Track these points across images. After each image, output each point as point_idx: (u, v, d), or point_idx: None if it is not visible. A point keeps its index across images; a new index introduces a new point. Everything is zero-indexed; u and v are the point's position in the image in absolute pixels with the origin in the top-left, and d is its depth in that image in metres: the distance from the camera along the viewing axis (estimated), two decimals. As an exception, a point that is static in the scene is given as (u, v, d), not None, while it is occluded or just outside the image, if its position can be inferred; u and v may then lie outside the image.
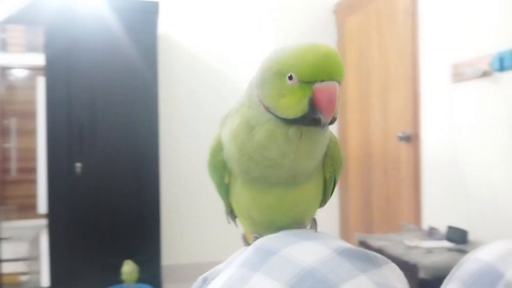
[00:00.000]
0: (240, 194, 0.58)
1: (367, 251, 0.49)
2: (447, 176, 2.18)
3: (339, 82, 0.50)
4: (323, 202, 0.64)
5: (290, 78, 0.50)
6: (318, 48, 0.52)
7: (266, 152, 0.52)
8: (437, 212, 2.28)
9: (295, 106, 0.50)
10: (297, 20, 3.24)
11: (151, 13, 2.80)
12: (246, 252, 0.51)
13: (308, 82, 0.49)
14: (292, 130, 0.51)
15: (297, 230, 0.55)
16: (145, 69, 2.74)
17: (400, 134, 2.50)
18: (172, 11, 3.19)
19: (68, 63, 2.64)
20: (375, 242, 2.04)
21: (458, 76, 2.08)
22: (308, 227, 0.59)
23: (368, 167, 2.94)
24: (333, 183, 0.62)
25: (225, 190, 0.61)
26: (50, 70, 2.64)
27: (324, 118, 0.49)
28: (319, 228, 0.58)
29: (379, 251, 1.88)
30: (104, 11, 2.68)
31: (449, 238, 2.05)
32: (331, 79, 0.49)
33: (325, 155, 0.58)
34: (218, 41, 3.29)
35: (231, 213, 0.65)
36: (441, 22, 2.23)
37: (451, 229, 2.08)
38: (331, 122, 0.50)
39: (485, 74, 1.92)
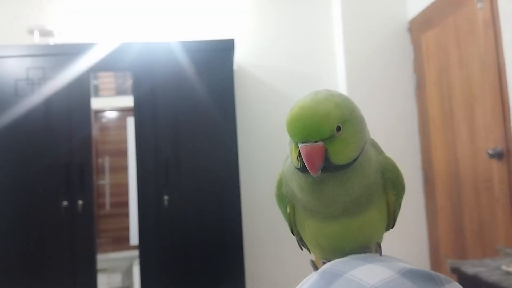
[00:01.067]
0: (306, 224, 0.61)
1: (430, 272, 0.50)
2: (549, 194, 1.98)
3: (319, 140, 0.53)
4: (388, 226, 0.65)
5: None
6: (292, 112, 0.54)
7: (302, 197, 0.58)
8: (541, 235, 2.07)
9: (295, 161, 0.56)
10: (369, 41, 3.21)
11: (227, 50, 2.93)
12: (313, 277, 0.54)
13: (296, 141, 0.55)
14: (306, 179, 0.56)
15: (362, 254, 0.57)
16: (223, 104, 2.86)
17: (491, 151, 2.33)
18: (246, 45, 3.32)
19: (153, 104, 2.84)
20: (469, 268, 1.89)
21: (552, 84, 1.92)
22: (374, 251, 0.61)
23: (457, 188, 2.76)
24: (398, 205, 0.64)
25: (290, 220, 0.64)
26: (138, 111, 2.86)
27: (312, 173, 0.53)
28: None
29: (474, 278, 1.74)
30: (181, 53, 2.87)
31: (557, 263, 1.84)
32: (305, 141, 0.53)
33: (385, 180, 0.60)
34: (291, 69, 3.35)
35: (301, 240, 0.68)
36: (526, 29, 2.08)
37: (559, 253, 1.87)
38: (341, 167, 0.54)
39: None
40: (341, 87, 3.22)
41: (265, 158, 3.22)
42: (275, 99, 3.29)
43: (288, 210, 0.63)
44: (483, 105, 2.45)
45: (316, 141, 0.52)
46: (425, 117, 3.10)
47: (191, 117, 2.86)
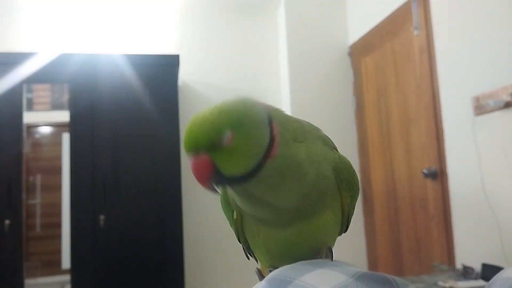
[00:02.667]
0: (256, 231, 0.58)
1: (385, 275, 0.47)
2: (478, 212, 2.10)
3: (207, 151, 0.49)
4: (341, 230, 0.63)
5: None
6: (186, 126, 0.52)
7: (243, 208, 0.55)
8: (470, 250, 2.18)
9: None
10: (311, 64, 3.29)
11: (172, 65, 2.88)
12: (261, 285, 0.50)
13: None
14: (234, 188, 0.54)
15: (313, 260, 0.54)
16: (167, 121, 2.79)
17: (425, 171, 2.44)
18: (192, 62, 3.29)
19: (92, 119, 2.71)
20: (409, 284, 1.94)
21: (480, 108, 2.05)
22: (323, 257, 0.58)
23: (394, 207, 2.86)
24: (352, 208, 0.62)
25: (236, 227, 0.60)
26: (75, 126, 2.72)
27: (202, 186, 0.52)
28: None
29: (414, 294, 1.79)
30: (126, 67, 2.78)
31: (484, 277, 1.94)
32: (191, 154, 0.50)
33: (340, 180, 0.57)
34: (236, 87, 3.35)
35: (248, 249, 0.64)
36: (458, 56, 2.23)
37: (486, 266, 1.97)
38: (242, 178, 0.50)
39: (507, 105, 1.89)
40: (285, 106, 3.26)
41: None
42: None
43: (235, 215, 0.59)
44: (418, 127, 2.57)
45: (199, 153, 0.48)
46: (364, 138, 3.21)
47: (133, 132, 2.76)
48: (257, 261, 0.64)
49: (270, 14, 3.47)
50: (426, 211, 2.52)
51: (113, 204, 2.67)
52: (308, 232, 0.55)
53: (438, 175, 2.39)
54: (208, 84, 3.33)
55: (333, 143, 0.64)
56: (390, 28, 2.83)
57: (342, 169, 0.58)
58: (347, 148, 3.27)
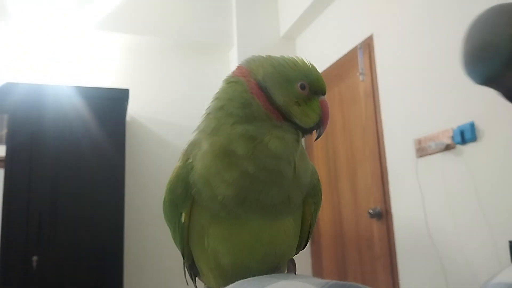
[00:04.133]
0: (207, 234, 0.51)
1: (358, 285, 0.44)
2: (422, 251, 2.15)
3: None
4: (299, 246, 0.59)
5: (303, 87, 0.51)
6: (313, 67, 0.56)
7: (275, 161, 0.48)
8: (416, 291, 2.21)
9: (311, 116, 0.52)
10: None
11: (121, 99, 2.82)
12: None
13: (316, 93, 0.51)
14: (300, 137, 0.52)
15: (274, 274, 0.49)
16: (112, 155, 2.69)
17: (371, 211, 2.49)
18: (142, 98, 3.24)
19: (30, 152, 2.56)
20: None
21: (422, 150, 2.14)
22: (285, 271, 0.54)
23: (342, 247, 2.87)
24: (315, 218, 0.58)
25: (182, 235, 0.54)
26: (10, 161, 2.54)
27: (323, 130, 0.52)
28: None
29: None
30: (72, 98, 2.68)
31: (432, 318, 1.96)
32: (324, 94, 0.54)
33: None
34: (185, 124, 3.32)
35: (192, 268, 0.58)
36: (401, 101, 2.34)
37: (433, 307, 2.00)
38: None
39: (448, 147, 1.99)
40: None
41: (154, 215, 3.05)
42: (166, 154, 3.19)
43: (183, 218, 0.53)
44: (364, 168, 2.64)
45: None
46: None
47: (75, 167, 2.62)
48: (204, 284, 0.59)
49: (223, 55, 3.52)
50: (372, 251, 2.54)
51: (48, 244, 2.48)
52: (266, 237, 0.50)
53: (383, 215, 2.45)
54: (158, 120, 3.28)
55: None
56: (338, 73, 2.95)
57: (313, 172, 0.56)
58: (296, 188, 3.29)
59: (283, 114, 0.51)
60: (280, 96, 0.52)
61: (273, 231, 0.51)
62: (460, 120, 1.92)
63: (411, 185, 2.22)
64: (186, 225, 0.53)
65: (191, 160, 0.52)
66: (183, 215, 0.53)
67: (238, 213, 0.49)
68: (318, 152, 3.19)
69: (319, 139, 0.55)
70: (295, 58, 0.56)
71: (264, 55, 0.57)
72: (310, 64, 0.55)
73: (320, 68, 3.14)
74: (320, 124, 0.54)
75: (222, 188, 0.49)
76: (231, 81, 0.55)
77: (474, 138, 1.86)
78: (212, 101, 0.56)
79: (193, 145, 0.54)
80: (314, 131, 0.55)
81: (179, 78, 3.41)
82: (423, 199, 2.14)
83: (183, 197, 0.52)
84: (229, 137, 0.50)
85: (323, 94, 0.54)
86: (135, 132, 3.17)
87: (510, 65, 0.54)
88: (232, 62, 3.47)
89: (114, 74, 3.24)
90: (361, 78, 2.64)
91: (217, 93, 0.57)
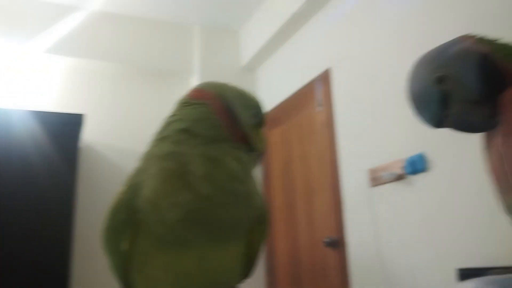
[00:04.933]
0: (148, 262, 0.50)
1: None
2: (375, 279, 2.18)
3: None
4: (244, 274, 0.58)
5: (255, 116, 0.57)
6: (255, 98, 0.63)
7: (231, 181, 0.49)
8: (369, 320, 2.22)
9: (262, 142, 0.58)
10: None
11: (75, 125, 2.73)
12: None
13: (261, 124, 0.57)
14: (255, 160, 0.56)
15: None
16: (62, 184, 2.56)
17: (326, 240, 2.51)
18: (97, 123, 3.17)
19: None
20: None
21: (375, 180, 2.21)
22: None
23: (297, 277, 2.87)
24: (260, 248, 0.58)
25: (121, 263, 0.52)
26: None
27: (263, 157, 0.57)
28: None
29: None
30: (22, 122, 2.58)
31: None
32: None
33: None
34: (141, 152, 3.26)
35: None
36: (356, 132, 2.42)
37: (386, 336, 2.01)
38: None
39: (399, 177, 2.06)
40: (193, 173, 3.23)
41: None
42: (122, 182, 3.11)
43: (124, 245, 0.51)
44: (320, 197, 2.69)
45: None
46: (270, 207, 3.25)
47: (24, 194, 2.49)
48: None
49: (183, 82, 3.53)
50: (327, 281, 2.55)
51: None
52: (211, 264, 0.49)
53: (338, 244, 2.48)
54: (114, 147, 3.21)
55: None
56: (296, 104, 3.03)
57: (262, 200, 0.57)
58: (253, 217, 3.28)
59: (242, 136, 0.54)
60: (243, 118, 0.55)
61: (218, 258, 0.50)
62: (411, 151, 2.01)
63: (364, 213, 2.28)
64: (127, 253, 0.51)
65: (136, 185, 0.52)
66: (124, 242, 0.51)
67: (185, 238, 0.48)
68: (276, 180, 3.21)
69: (261, 163, 0.60)
70: (245, 89, 0.62)
71: (219, 82, 0.61)
72: (257, 98, 0.61)
73: (280, 99, 3.21)
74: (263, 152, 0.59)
75: (172, 211, 0.48)
76: (194, 103, 0.56)
77: (424, 169, 1.94)
78: (169, 124, 0.56)
79: (139, 171, 0.54)
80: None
81: (138, 105, 3.37)
82: (376, 228, 2.19)
83: (125, 223, 0.51)
84: (187, 159, 0.49)
85: (263, 127, 0.59)
86: (89, 158, 3.08)
87: (445, 104, 0.59)
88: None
89: (70, 99, 3.17)
90: (318, 108, 2.73)
91: (174, 115, 0.57)
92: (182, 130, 0.53)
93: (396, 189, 2.11)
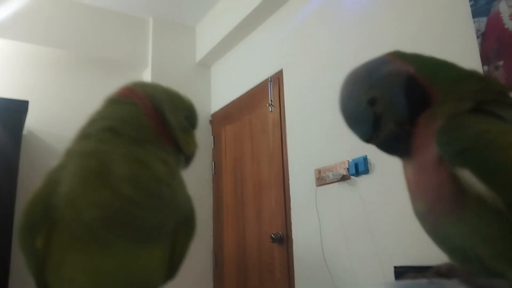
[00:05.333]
0: (65, 262, 0.48)
1: None
2: (318, 275, 2.27)
3: None
4: (168, 276, 0.58)
5: (187, 118, 0.57)
6: (189, 100, 0.64)
7: (156, 183, 0.48)
8: (311, 313, 2.32)
9: (192, 145, 0.57)
10: (174, 128, 3.34)
11: (19, 112, 2.63)
12: None
13: (192, 127, 0.56)
14: (182, 163, 0.56)
15: None
16: (3, 172, 2.47)
17: (273, 236, 2.59)
18: (43, 110, 3.06)
19: None
20: None
21: (321, 180, 2.31)
22: None
23: (244, 271, 2.93)
24: (185, 250, 0.57)
25: (36, 262, 0.50)
26: None
27: (192, 161, 0.58)
28: None
29: None
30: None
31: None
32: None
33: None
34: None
35: None
36: (305, 133, 2.51)
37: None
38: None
39: (344, 178, 2.17)
40: (143, 167, 3.20)
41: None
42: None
43: (39, 243, 0.48)
44: (269, 195, 2.76)
45: None
46: (219, 203, 3.29)
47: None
48: None
49: (136, 74, 3.49)
50: (273, 275, 2.63)
51: None
52: (132, 265, 0.48)
53: (284, 240, 2.56)
54: (58, 136, 3.10)
55: None
56: (249, 102, 3.08)
57: (189, 202, 0.57)
58: (203, 212, 3.31)
59: (171, 138, 0.54)
60: (172, 120, 0.54)
61: (140, 259, 0.49)
62: (355, 154, 2.11)
63: (310, 211, 2.37)
64: (42, 252, 0.49)
65: (55, 182, 0.50)
66: (40, 240, 0.49)
67: (103, 238, 0.47)
68: (227, 177, 3.25)
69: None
70: (179, 92, 0.61)
71: (151, 83, 0.61)
72: (190, 100, 0.61)
73: (233, 96, 3.25)
74: (192, 156, 0.60)
75: (90, 210, 0.46)
76: (122, 102, 0.55)
77: (366, 171, 2.05)
78: (93, 121, 0.55)
79: (59, 168, 0.52)
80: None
81: (86, 94, 3.28)
82: (321, 225, 2.28)
83: (41, 221, 0.48)
84: (109, 158, 0.48)
85: (195, 129, 0.61)
86: (32, 146, 2.97)
87: (376, 125, 0.63)
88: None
89: (15, 85, 3.04)
90: (270, 109, 2.79)
91: (100, 112, 0.56)
92: (106, 129, 0.52)
93: (340, 189, 2.21)
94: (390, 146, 0.64)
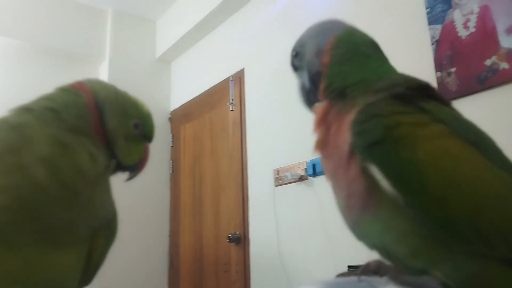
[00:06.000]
0: None
1: None
2: (274, 275, 2.27)
3: None
4: (84, 281, 0.54)
5: (136, 126, 0.53)
6: (146, 109, 0.60)
7: (76, 175, 0.45)
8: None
9: (134, 155, 0.55)
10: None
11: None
12: None
13: (145, 138, 0.54)
14: (112, 168, 0.52)
15: None
16: None
17: (230, 236, 2.57)
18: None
19: None
20: None
21: (280, 180, 2.31)
22: None
23: (200, 272, 2.89)
24: (103, 255, 0.54)
25: None
26: None
27: (137, 174, 0.56)
28: None
29: None
30: None
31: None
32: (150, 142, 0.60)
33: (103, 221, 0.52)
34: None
35: None
36: (264, 133, 2.50)
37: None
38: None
39: (301, 178, 2.18)
40: (98, 164, 3.10)
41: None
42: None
43: None
44: (227, 194, 2.74)
45: None
46: (177, 202, 3.24)
47: None
48: None
49: (92, 67, 3.37)
50: (229, 276, 2.61)
51: None
52: (41, 268, 0.43)
53: (241, 240, 2.54)
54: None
55: None
56: (210, 100, 3.04)
57: (112, 208, 0.54)
58: (159, 211, 3.24)
59: (107, 140, 0.51)
60: (113, 123, 0.52)
61: (50, 262, 0.44)
62: (313, 155, 2.12)
63: (268, 211, 2.37)
64: None
65: None
66: None
67: (10, 234, 0.41)
68: (185, 176, 3.20)
69: (132, 179, 0.59)
70: (138, 99, 0.58)
71: (109, 83, 0.59)
72: (149, 111, 0.59)
73: (194, 94, 3.21)
74: (136, 167, 0.57)
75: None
76: (69, 91, 0.54)
77: (323, 172, 2.07)
78: (39, 100, 0.52)
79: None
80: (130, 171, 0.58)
81: (37, 86, 3.12)
82: (278, 225, 2.29)
83: None
84: (33, 134, 0.44)
85: (150, 142, 0.59)
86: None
87: (313, 100, 0.69)
88: (102, 76, 3.34)
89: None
90: (231, 108, 2.77)
91: (48, 95, 0.54)
92: (48, 108, 0.49)
93: (298, 189, 2.22)
94: (301, 96, 0.74)
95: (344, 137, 0.53)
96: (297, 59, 0.72)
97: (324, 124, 0.62)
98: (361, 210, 0.51)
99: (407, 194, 0.46)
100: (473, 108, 1.57)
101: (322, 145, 0.63)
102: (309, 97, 0.71)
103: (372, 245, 0.56)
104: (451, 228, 0.44)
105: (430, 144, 0.47)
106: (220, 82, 2.94)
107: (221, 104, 2.92)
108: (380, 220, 0.49)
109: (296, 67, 0.74)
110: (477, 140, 0.49)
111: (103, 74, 3.32)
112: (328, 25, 0.71)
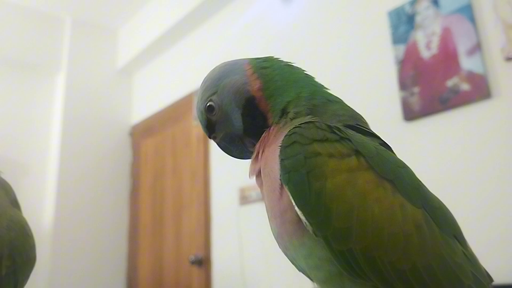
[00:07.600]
0: None
1: None
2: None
3: None
4: None
5: None
6: None
7: None
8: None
9: None
10: (88, 139, 3.11)
11: None
12: None
13: None
14: None
15: None
16: None
17: (192, 258, 2.47)
18: None
19: None
20: None
21: (244, 198, 2.25)
22: None
23: (160, 295, 2.77)
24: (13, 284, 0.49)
25: None
26: None
27: None
28: None
29: None
30: None
31: None
32: None
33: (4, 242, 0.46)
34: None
35: None
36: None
37: None
38: None
39: (266, 197, 2.12)
40: (52, 182, 2.94)
41: None
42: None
43: None
44: (190, 214, 2.64)
45: None
46: (136, 222, 3.10)
47: None
48: None
49: (48, 78, 3.20)
50: (190, 299, 2.51)
51: None
52: None
53: (204, 262, 2.45)
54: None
55: (14, 194, 0.55)
56: (173, 115, 2.95)
57: (11, 229, 0.48)
58: (117, 231, 3.09)
59: None
60: None
61: None
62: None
63: (232, 231, 2.29)
64: None
65: None
66: None
67: None
68: (145, 194, 3.08)
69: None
70: None
71: None
72: None
73: (156, 108, 3.11)
74: None
75: None
76: None
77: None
78: None
79: None
80: None
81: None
82: (242, 247, 2.21)
83: None
84: None
85: None
86: None
87: (210, 130, 0.67)
88: (58, 87, 3.17)
89: None
90: (194, 123, 2.69)
91: None
92: None
93: (263, 209, 2.15)
94: (226, 151, 0.70)
95: (276, 160, 0.54)
96: (215, 111, 0.65)
97: (262, 144, 0.61)
98: (290, 237, 0.53)
99: (313, 224, 0.47)
100: (435, 128, 1.58)
101: (256, 169, 0.62)
102: (246, 142, 0.67)
103: (300, 269, 0.57)
104: (351, 262, 0.46)
105: (340, 177, 0.48)
106: (184, 97, 2.86)
107: (184, 119, 2.84)
108: (305, 247, 0.51)
109: (213, 124, 0.66)
110: (395, 176, 0.51)
111: (59, 84, 3.16)
112: (226, 66, 0.69)
